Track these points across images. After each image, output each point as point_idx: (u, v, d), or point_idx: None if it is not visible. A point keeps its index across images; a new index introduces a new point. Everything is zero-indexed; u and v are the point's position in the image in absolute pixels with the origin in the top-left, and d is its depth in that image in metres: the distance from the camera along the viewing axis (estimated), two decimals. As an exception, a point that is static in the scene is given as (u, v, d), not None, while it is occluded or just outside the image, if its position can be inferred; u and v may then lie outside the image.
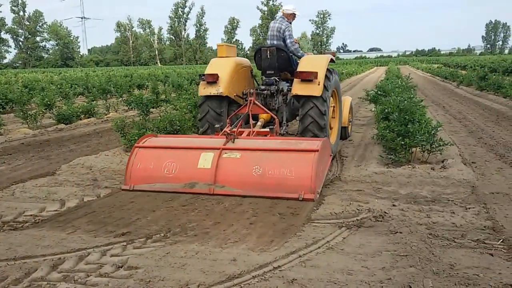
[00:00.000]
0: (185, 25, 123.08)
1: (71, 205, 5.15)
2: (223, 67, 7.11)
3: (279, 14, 7.66)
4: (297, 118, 7.24)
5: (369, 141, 8.70)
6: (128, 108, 15.12)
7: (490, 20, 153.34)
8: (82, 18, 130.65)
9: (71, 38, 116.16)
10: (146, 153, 5.95)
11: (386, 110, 7.90)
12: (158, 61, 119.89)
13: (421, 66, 63.80)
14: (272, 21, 7.59)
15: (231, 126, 6.60)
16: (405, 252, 3.66)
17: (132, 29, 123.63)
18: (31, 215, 4.83)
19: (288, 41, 7.33)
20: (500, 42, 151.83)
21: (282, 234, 4.12)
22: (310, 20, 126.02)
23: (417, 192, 5.35)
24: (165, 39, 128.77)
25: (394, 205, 4.90)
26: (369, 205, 4.90)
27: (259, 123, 6.98)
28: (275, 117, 7.08)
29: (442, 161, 6.62)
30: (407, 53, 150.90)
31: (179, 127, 8.44)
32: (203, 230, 4.30)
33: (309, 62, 6.81)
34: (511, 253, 3.62)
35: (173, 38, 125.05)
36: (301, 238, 4.01)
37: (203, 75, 7.03)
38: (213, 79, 6.93)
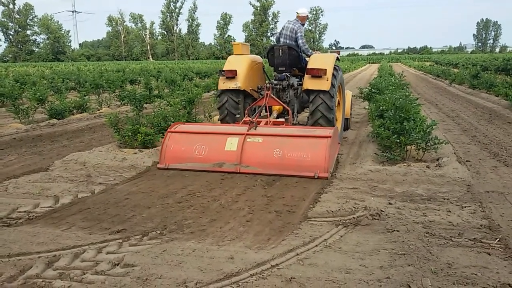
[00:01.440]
0: (177, 20, 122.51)
1: (65, 202, 5.09)
2: (240, 64, 7.91)
3: (294, 16, 8.37)
4: (306, 110, 8.25)
5: (363, 138, 8.71)
6: (121, 104, 15.03)
7: (482, 19, 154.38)
8: (73, 11, 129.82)
9: (62, 32, 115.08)
10: (178, 137, 6.80)
11: (381, 108, 7.90)
12: (150, 56, 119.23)
13: (413, 63, 64.06)
14: (287, 22, 8.27)
15: (249, 116, 7.40)
16: (403, 250, 3.66)
17: (124, 24, 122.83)
18: (25, 212, 4.77)
19: (300, 41, 8.03)
20: (491, 41, 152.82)
21: (279, 232, 4.10)
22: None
23: (412, 190, 5.36)
24: (157, 34, 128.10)
25: (390, 203, 4.90)
26: (365, 203, 4.90)
27: (273, 114, 7.73)
28: (288, 109, 7.76)
29: (437, 160, 6.64)
30: (399, 50, 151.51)
31: (173, 123, 8.38)
32: (200, 227, 4.27)
33: (318, 60, 7.57)
34: (508, 252, 3.63)
35: (165, 33, 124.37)
36: (298, 236, 4.00)
37: (223, 70, 7.83)
38: (232, 75, 7.78)
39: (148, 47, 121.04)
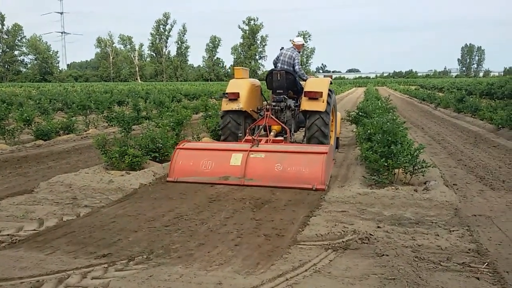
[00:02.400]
0: (167, 42, 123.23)
1: (50, 225, 4.99)
2: (241, 87, 8.60)
3: (290, 44, 9.26)
4: (301, 129, 9.17)
5: (351, 161, 8.73)
6: (108, 125, 14.95)
7: (466, 44, 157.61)
8: (62, 33, 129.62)
9: (50, 53, 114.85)
10: (186, 153, 7.37)
11: (369, 131, 7.96)
12: (138, 78, 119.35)
13: (399, 87, 65.01)
14: (284, 49, 9.08)
15: (250, 135, 8.17)
16: (393, 275, 3.63)
17: (113, 45, 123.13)
18: (7, 235, 4.65)
19: (296, 67, 8.90)
20: (475, 65, 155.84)
21: (268, 257, 4.06)
22: (290, 40, 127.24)
23: (401, 214, 5.36)
24: (145, 56, 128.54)
25: (379, 227, 4.89)
26: (354, 226, 4.88)
27: (272, 133, 8.38)
28: (287, 128, 8.47)
29: (425, 183, 6.67)
30: (384, 74, 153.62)
31: (161, 145, 8.35)
32: (187, 251, 4.21)
33: (315, 84, 8.36)
34: (497, 277, 3.63)
35: (154, 54, 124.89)
36: (288, 261, 3.96)
37: (226, 93, 8.52)
38: (234, 97, 8.44)
39: (137, 68, 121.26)
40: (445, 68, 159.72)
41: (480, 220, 5.20)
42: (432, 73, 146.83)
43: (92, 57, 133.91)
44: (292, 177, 6.69)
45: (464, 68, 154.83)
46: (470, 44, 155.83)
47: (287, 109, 8.77)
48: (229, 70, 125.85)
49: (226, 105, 8.56)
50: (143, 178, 7.10)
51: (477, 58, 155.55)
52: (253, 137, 7.77)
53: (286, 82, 8.71)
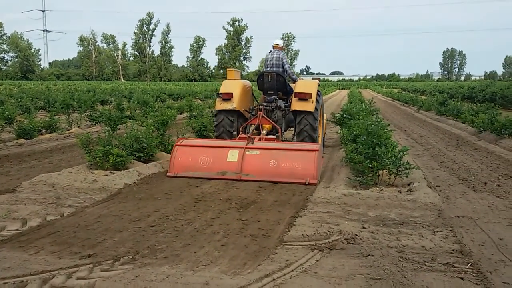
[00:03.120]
0: (150, 42, 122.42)
1: (33, 224, 4.93)
2: (234, 88, 8.97)
3: (272, 47, 9.69)
4: (290, 129, 9.63)
5: (336, 162, 8.79)
6: (92, 124, 14.79)
7: (447, 48, 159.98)
8: (44, 31, 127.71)
9: (32, 51, 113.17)
10: (184, 150, 7.73)
11: (354, 133, 8.03)
12: (121, 77, 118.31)
13: (382, 90, 65.55)
14: (269, 53, 9.50)
15: (243, 133, 8.60)
16: (378, 275, 3.67)
17: (96, 44, 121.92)
18: (-11, 235, 4.58)
19: (286, 66, 9.34)
20: (457, 69, 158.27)
21: (255, 257, 4.06)
22: (274, 44, 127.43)
23: (385, 215, 5.41)
24: (129, 55, 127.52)
25: (364, 227, 4.93)
26: (340, 227, 4.91)
27: (264, 132, 8.83)
28: (278, 127, 8.94)
29: (408, 184, 6.75)
30: (367, 77, 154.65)
31: (146, 145, 8.29)
32: (173, 252, 4.19)
33: (304, 85, 8.84)
34: (480, 277, 3.69)
35: (138, 54, 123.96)
36: (274, 261, 3.96)
37: (220, 93, 8.90)
38: (228, 97, 8.84)
39: (120, 67, 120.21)
40: (427, 72, 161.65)
41: (463, 221, 5.28)
42: (414, 77, 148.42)
43: (74, 56, 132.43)
44: (286, 173, 7.11)
45: (445, 72, 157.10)
46: (451, 48, 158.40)
47: (277, 109, 9.25)
48: (213, 71, 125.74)
49: (220, 105, 8.95)
50: (128, 178, 7.04)
51: (458, 62, 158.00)
52: (247, 135, 8.23)
53: (276, 83, 9.13)
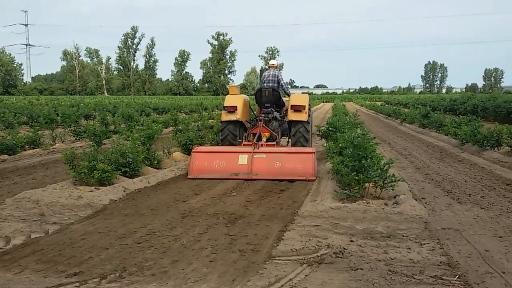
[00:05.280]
0: (134, 56, 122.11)
1: (17, 243, 4.84)
2: (237, 101, 10.27)
3: (269, 66, 11.32)
4: (285, 136, 11.10)
5: (322, 175, 8.81)
6: (76, 139, 14.65)
7: (429, 61, 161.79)
8: (26, 45, 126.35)
9: (14, 65, 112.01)
10: (200, 156, 8.96)
11: (340, 145, 8.08)
12: (105, 91, 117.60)
13: (365, 103, 66.20)
14: (267, 71, 11.05)
15: (245, 141, 9.95)
16: (368, 289, 3.67)
17: (79, 58, 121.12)
18: (-28, 254, 4.48)
19: (282, 82, 10.87)
20: (438, 82, 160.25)
21: (244, 272, 4.04)
22: (259, 55, 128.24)
23: (372, 228, 5.43)
24: (113, 69, 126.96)
25: (352, 241, 4.95)
26: (328, 240, 4.92)
27: (264, 139, 10.00)
28: (276, 135, 10.34)
29: (394, 197, 6.79)
30: (351, 90, 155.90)
31: (131, 160, 8.23)
32: (161, 269, 4.14)
33: (298, 99, 10.31)
34: (468, 289, 3.71)
35: (122, 68, 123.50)
36: (264, 277, 3.94)
37: (226, 106, 10.20)
38: (233, 109, 10.15)
39: (104, 81, 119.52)
40: (409, 85, 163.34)
41: (449, 233, 5.32)
42: (396, 89, 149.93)
43: (57, 70, 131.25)
44: (289, 172, 8.48)
45: (427, 85, 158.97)
46: (433, 61, 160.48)
47: (274, 120, 10.65)
48: (198, 85, 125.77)
49: (226, 116, 10.23)
50: (113, 194, 6.97)
51: (440, 75, 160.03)
52: (254, 141, 9.56)
53: (272, 97, 10.55)
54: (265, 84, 10.74)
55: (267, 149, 9.12)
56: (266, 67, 10.81)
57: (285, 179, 8.30)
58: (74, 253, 4.53)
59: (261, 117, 10.43)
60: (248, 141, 9.92)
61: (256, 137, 9.95)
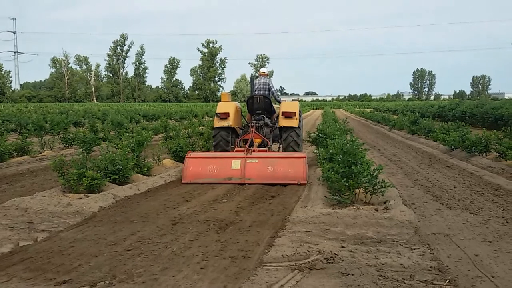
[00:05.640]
0: (124, 63, 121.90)
1: (5, 251, 4.77)
2: (229, 108, 10.54)
3: (259, 74, 11.68)
4: (276, 142, 11.31)
5: (313, 181, 8.82)
6: (65, 146, 14.55)
7: (417, 68, 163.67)
8: (15, 52, 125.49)
9: (2, 73, 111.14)
10: (194, 161, 9.09)
11: (330, 152, 8.10)
12: (95, 98, 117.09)
13: (354, 110, 66.60)
14: (257, 79, 11.41)
15: (237, 146, 10.17)
16: (359, 294, 3.67)
17: (68, 65, 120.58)
18: (-42, 263, 4.41)
19: (273, 90, 11.28)
20: (426, 89, 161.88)
21: (235, 279, 4.02)
22: (249, 63, 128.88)
23: (363, 233, 5.44)
24: (102, 76, 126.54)
25: (342, 246, 4.95)
26: (319, 246, 4.92)
27: (255, 144, 10.23)
28: (268, 140, 10.63)
29: (384, 203, 6.82)
30: (340, 97, 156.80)
31: (121, 167, 8.18)
32: (151, 276, 4.11)
33: (289, 106, 10.65)
34: (458, 293, 3.73)
35: (111, 75, 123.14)
36: (255, 283, 3.93)
37: (218, 113, 10.45)
38: (225, 116, 10.42)
39: (93, 89, 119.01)
40: (398, 92, 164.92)
41: (439, 238, 5.35)
42: (385, 96, 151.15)
43: (46, 77, 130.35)
44: (281, 176, 8.65)
45: (416, 92, 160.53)
46: (421, 68, 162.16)
47: (265, 126, 10.96)
48: (188, 92, 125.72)
49: (218, 123, 10.49)
50: (103, 201, 6.92)
51: (428, 82, 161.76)
52: (246, 147, 9.69)
53: (264, 104, 10.90)
54: (256, 92, 11.09)
55: (259, 154, 9.32)
56: (257, 74, 11.02)
57: (277, 183, 8.47)
58: (63, 261, 4.48)
59: (253, 124, 10.71)
60: (240, 147, 10.11)
61: (248, 143, 10.13)
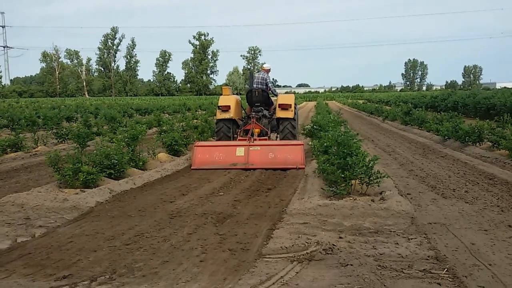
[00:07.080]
0: (115, 57, 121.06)
1: (3, 247, 4.76)
2: (230, 101, 11.40)
3: (260, 69, 12.57)
4: (274, 132, 12.06)
5: (309, 173, 8.84)
6: (58, 141, 14.46)
7: (409, 59, 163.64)
8: (4, 47, 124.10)
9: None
10: (202, 149, 10.02)
11: (325, 144, 8.13)
12: (86, 93, 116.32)
13: (347, 101, 66.68)
14: (257, 73, 12.25)
15: (241, 136, 11.12)
16: (359, 284, 3.71)
17: (59, 60, 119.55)
18: (-43, 260, 4.39)
19: (269, 85, 11.97)
20: (418, 79, 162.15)
21: (235, 271, 4.04)
22: (241, 55, 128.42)
23: (360, 224, 5.47)
24: (93, 70, 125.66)
25: (340, 237, 4.99)
26: (317, 237, 4.95)
27: (255, 134, 10.94)
28: (267, 130, 11.49)
29: (380, 193, 6.85)
30: (333, 89, 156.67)
31: (116, 161, 8.16)
32: (151, 270, 4.12)
33: (285, 98, 11.48)
34: (457, 282, 3.78)
35: (102, 69, 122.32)
36: (255, 275, 3.95)
37: (220, 106, 11.31)
38: (226, 109, 11.25)
39: (84, 83, 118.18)
40: (390, 83, 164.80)
41: (435, 227, 5.41)
42: (378, 87, 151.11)
43: (37, 72, 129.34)
44: (281, 161, 9.53)
45: (408, 82, 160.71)
46: (413, 59, 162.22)
47: (263, 117, 11.72)
48: (180, 85, 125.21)
49: (220, 115, 11.35)
50: (99, 196, 6.90)
51: (420, 72, 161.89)
52: (249, 136, 10.67)
53: (262, 97, 11.68)
54: (255, 86, 11.82)
55: (260, 142, 10.25)
56: (258, 69, 11.68)
57: (278, 167, 9.32)
58: (62, 256, 4.48)
59: (253, 115, 11.48)
60: (242, 136, 11.02)
61: (249, 132, 10.93)
